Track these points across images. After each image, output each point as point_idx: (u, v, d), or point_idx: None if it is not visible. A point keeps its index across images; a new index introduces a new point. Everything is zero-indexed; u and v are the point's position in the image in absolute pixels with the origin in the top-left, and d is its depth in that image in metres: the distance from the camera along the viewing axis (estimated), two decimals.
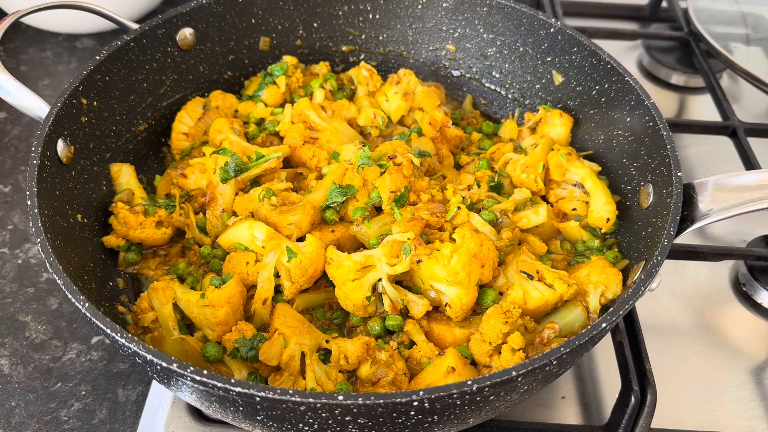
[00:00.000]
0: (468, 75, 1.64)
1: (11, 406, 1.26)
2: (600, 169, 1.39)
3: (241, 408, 0.92)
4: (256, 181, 1.34)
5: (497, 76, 1.60)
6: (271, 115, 1.49)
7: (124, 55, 1.35)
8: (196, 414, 1.20)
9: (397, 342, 1.14)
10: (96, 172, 1.31)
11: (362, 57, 1.66)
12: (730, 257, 1.47)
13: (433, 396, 0.85)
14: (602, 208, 1.31)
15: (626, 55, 2.12)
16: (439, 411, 0.90)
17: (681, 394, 1.31)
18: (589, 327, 0.97)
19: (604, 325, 0.97)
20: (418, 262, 1.13)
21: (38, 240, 1.03)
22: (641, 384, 1.15)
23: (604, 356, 1.34)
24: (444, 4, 1.57)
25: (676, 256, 1.41)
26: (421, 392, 0.85)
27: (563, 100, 1.50)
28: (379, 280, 1.15)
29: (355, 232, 1.23)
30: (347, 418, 0.88)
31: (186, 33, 1.45)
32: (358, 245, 1.25)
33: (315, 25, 1.60)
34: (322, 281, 1.22)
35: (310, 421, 0.90)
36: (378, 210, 1.26)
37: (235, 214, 1.28)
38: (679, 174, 1.16)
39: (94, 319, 0.94)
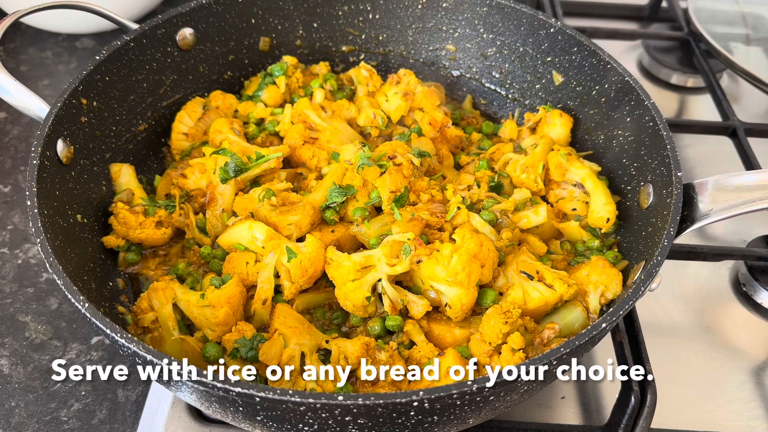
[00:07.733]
0: (468, 75, 1.64)
1: (11, 406, 1.26)
2: (600, 169, 1.39)
3: (241, 408, 0.92)
4: (256, 181, 1.33)
5: (497, 76, 1.60)
6: (271, 115, 1.49)
7: (123, 55, 1.35)
8: (196, 414, 1.20)
9: (397, 342, 1.14)
10: (96, 172, 1.31)
11: (362, 57, 1.66)
12: (730, 257, 1.47)
13: (433, 396, 0.85)
14: (602, 208, 1.30)
15: (626, 55, 2.11)
16: (439, 411, 0.90)
17: (681, 394, 1.31)
18: (589, 327, 0.97)
19: (604, 325, 0.97)
20: (418, 262, 1.13)
21: (38, 240, 1.03)
22: (641, 384, 1.15)
23: (604, 356, 1.34)
24: (444, 4, 1.57)
25: (676, 256, 1.41)
26: (421, 392, 0.85)
27: (563, 100, 1.50)
28: (379, 280, 1.15)
29: (355, 232, 1.23)
30: (347, 419, 0.88)
31: (186, 33, 1.45)
32: (358, 245, 1.25)
33: (315, 25, 1.60)
34: (322, 281, 1.22)
35: (310, 421, 0.90)
36: (378, 210, 1.26)
37: (235, 214, 1.27)
38: (679, 174, 1.15)
39: (94, 320, 0.94)
